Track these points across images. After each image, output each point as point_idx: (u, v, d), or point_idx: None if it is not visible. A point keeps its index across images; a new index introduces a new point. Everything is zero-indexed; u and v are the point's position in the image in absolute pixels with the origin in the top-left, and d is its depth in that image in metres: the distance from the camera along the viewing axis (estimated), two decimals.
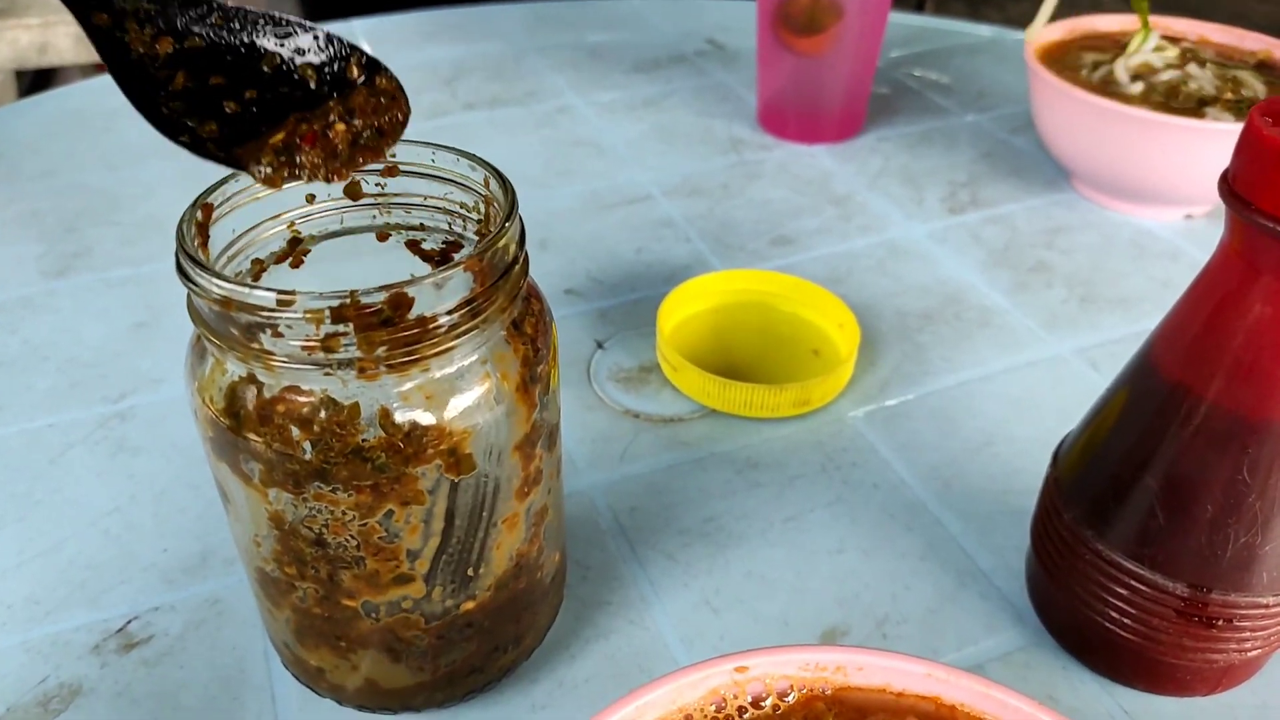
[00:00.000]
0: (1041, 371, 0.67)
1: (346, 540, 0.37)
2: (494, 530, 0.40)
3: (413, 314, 0.33)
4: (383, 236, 0.43)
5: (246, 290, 0.32)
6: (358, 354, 0.33)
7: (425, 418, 0.35)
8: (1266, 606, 0.42)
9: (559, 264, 0.78)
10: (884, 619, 0.50)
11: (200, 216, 0.36)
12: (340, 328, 0.33)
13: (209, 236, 0.37)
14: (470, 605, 0.41)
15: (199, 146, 0.34)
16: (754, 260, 0.78)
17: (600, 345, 0.69)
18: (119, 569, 0.53)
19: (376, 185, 0.42)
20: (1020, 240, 0.82)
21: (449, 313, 0.34)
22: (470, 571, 0.40)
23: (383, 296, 0.33)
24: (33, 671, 0.47)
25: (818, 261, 0.78)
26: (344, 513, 0.36)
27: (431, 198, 0.42)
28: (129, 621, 0.50)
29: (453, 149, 0.40)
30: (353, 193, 0.41)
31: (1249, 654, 0.44)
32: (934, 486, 0.58)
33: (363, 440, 0.35)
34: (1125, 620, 0.45)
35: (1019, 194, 0.88)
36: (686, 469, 0.60)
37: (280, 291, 0.32)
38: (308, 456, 0.35)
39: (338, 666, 0.42)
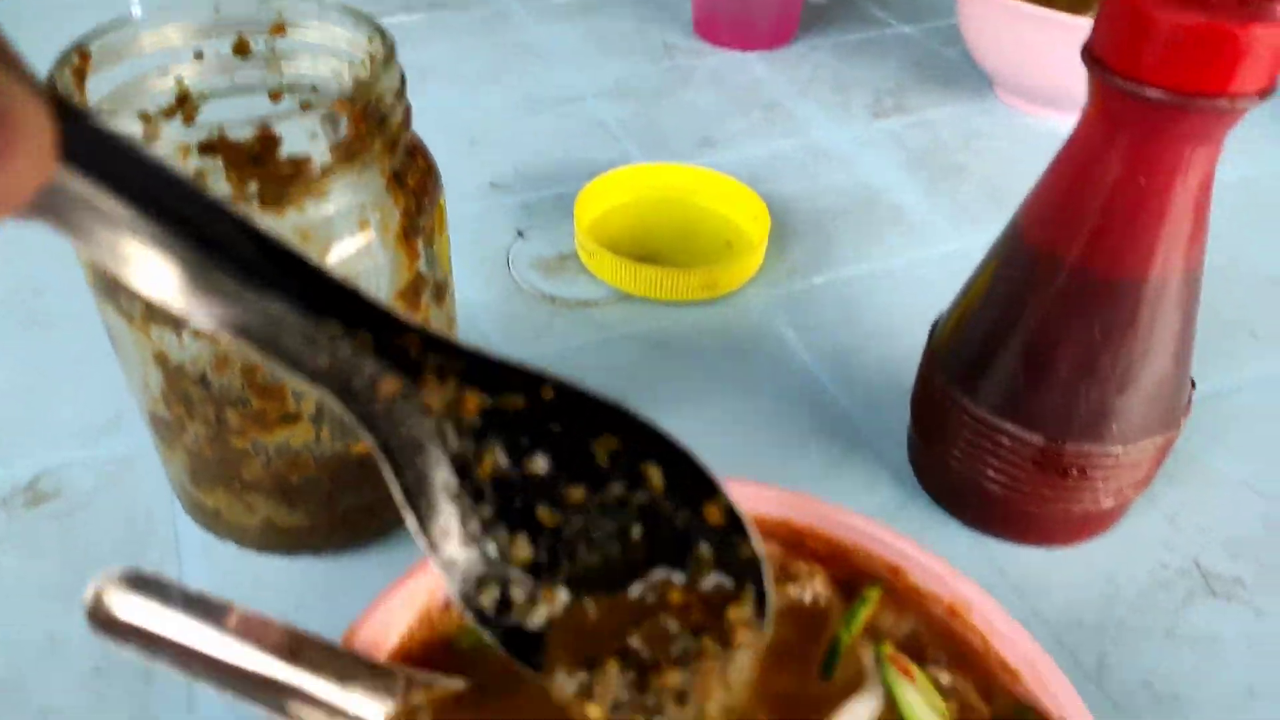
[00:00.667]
0: (948, 264, 0.69)
1: (230, 379, 0.38)
2: None
3: (287, 154, 0.34)
4: (275, 96, 0.44)
5: (109, 119, 0.33)
6: (229, 190, 0.34)
7: None
8: (1116, 457, 0.45)
9: (486, 160, 0.79)
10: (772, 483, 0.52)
11: (77, 62, 0.37)
12: (209, 162, 0.34)
13: (85, 86, 0.37)
14: (361, 448, 0.43)
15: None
16: (678, 160, 0.79)
17: (521, 235, 0.70)
18: (28, 428, 0.54)
19: (265, 44, 0.42)
20: (940, 145, 0.83)
21: (323, 155, 0.35)
22: None
23: (250, 132, 0.34)
24: None
25: (740, 163, 0.80)
26: (225, 351, 0.37)
27: (321, 56, 0.42)
28: (38, 477, 0.51)
29: (338, 6, 0.41)
30: (241, 49, 0.42)
31: (1103, 505, 0.47)
32: (830, 366, 0.61)
33: None
34: (991, 473, 0.47)
35: (944, 101, 0.90)
36: (598, 349, 0.61)
37: (145, 119, 0.33)
38: None
39: (233, 507, 0.44)
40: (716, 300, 0.65)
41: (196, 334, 0.37)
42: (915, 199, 0.76)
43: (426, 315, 0.42)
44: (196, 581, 0.47)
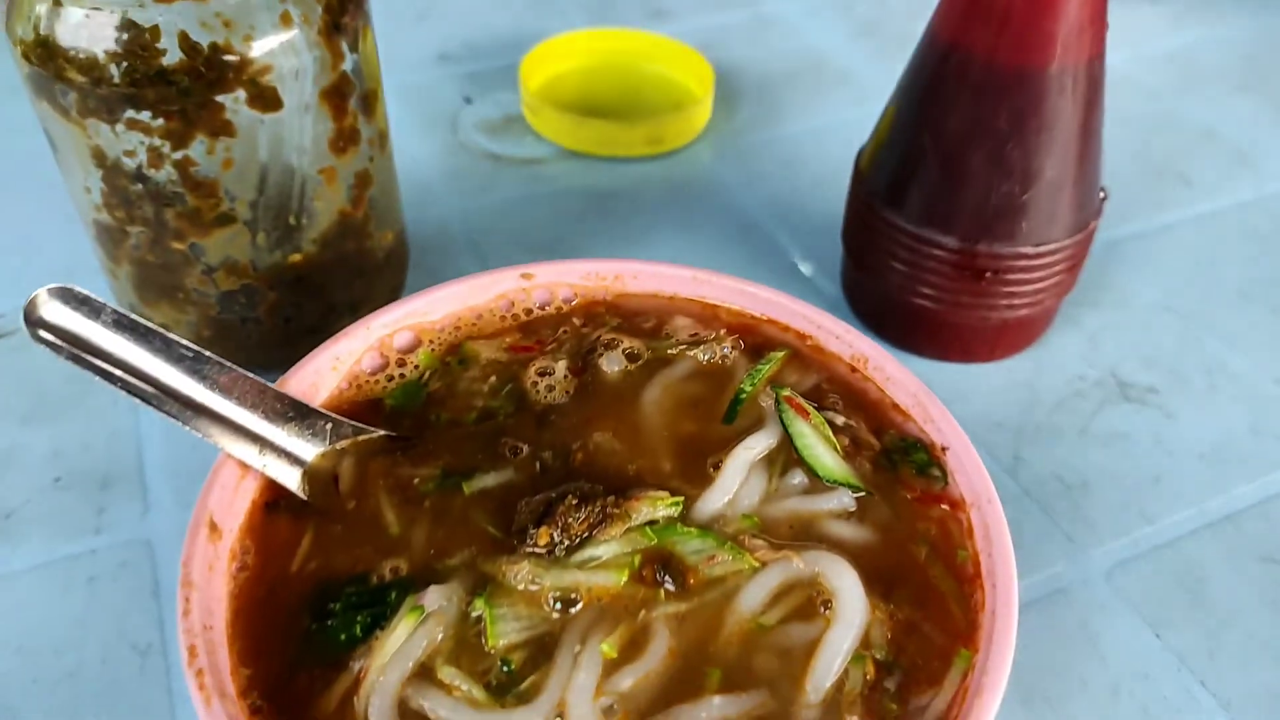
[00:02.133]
0: None
1: (166, 174, 0.40)
2: (311, 180, 0.43)
3: None
4: None
5: None
6: None
7: (224, 43, 0.38)
8: (1029, 257, 0.47)
9: (435, 32, 0.79)
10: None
11: None
12: None
13: None
14: (298, 258, 0.44)
15: None
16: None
17: (468, 100, 0.71)
18: None
19: None
20: (889, 13, 0.84)
21: None
22: (292, 220, 0.43)
23: None
24: None
25: (691, 32, 0.80)
26: (158, 142, 0.39)
27: None
28: None
29: None
30: None
31: (1020, 313, 0.49)
32: (772, 211, 0.62)
33: (165, 63, 0.37)
34: (913, 285, 0.49)
35: None
36: (542, 200, 0.63)
37: None
38: (115, 79, 0.37)
39: (179, 322, 0.45)
40: (662, 156, 0.67)
41: (130, 124, 0.38)
42: (863, 64, 0.77)
43: (354, 123, 0.43)
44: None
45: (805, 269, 0.58)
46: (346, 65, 0.42)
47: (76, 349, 0.29)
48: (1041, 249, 0.47)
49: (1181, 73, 0.77)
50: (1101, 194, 0.49)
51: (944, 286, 0.48)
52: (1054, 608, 0.42)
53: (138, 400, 0.30)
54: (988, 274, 0.47)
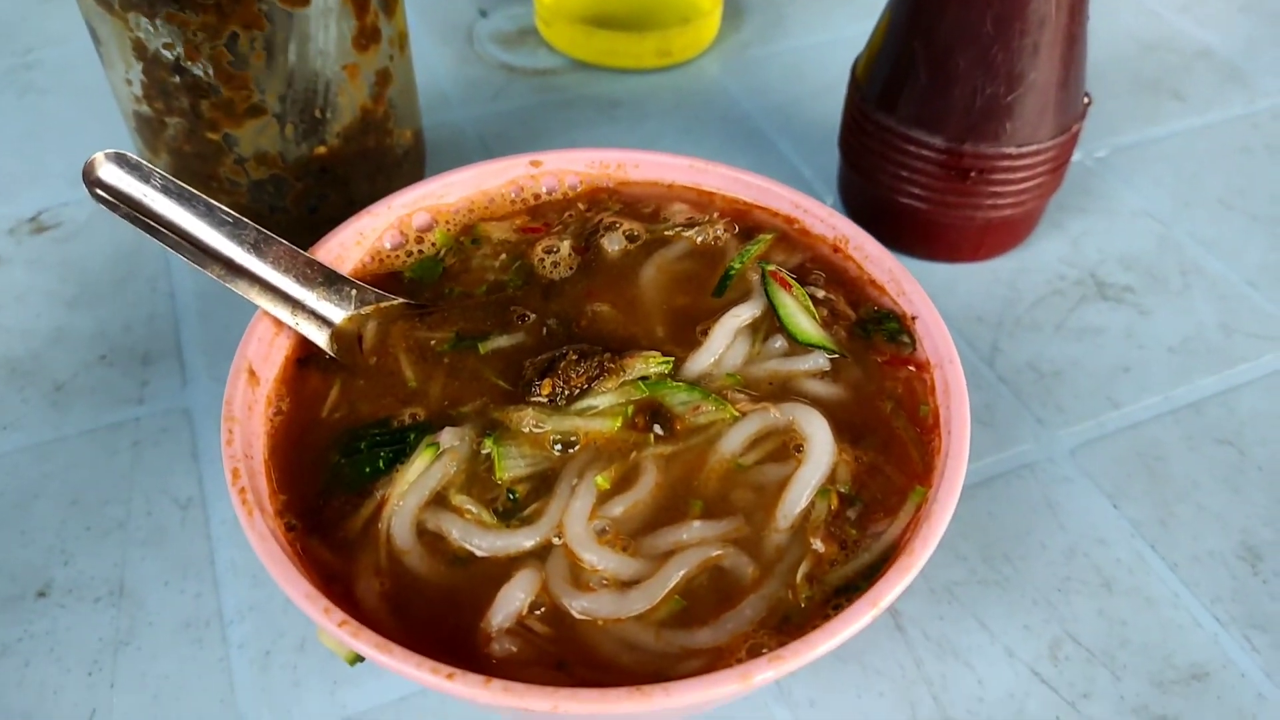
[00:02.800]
0: None
1: (202, 66, 0.43)
2: (335, 75, 0.45)
3: None
4: None
5: None
6: None
7: None
8: (1012, 158, 0.49)
9: None
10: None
11: None
12: None
13: None
14: (323, 150, 0.47)
15: None
16: None
17: (483, 13, 0.73)
18: (29, 175, 0.59)
19: None
20: None
21: None
22: (318, 113, 0.46)
23: None
24: None
25: None
26: (194, 34, 0.42)
27: None
28: (40, 212, 0.56)
29: None
30: None
31: (1004, 212, 0.52)
32: (775, 120, 0.65)
33: None
34: (903, 185, 0.52)
35: None
36: (553, 108, 0.65)
37: None
38: None
39: None
40: (671, 68, 0.69)
41: (169, 17, 0.41)
42: None
43: (375, 22, 0.46)
44: (184, 287, 0.52)
45: (806, 172, 0.61)
46: None
47: (129, 208, 0.32)
48: (1024, 150, 0.49)
49: None
50: (1086, 99, 0.51)
51: (932, 186, 0.51)
52: (1020, 481, 0.45)
53: (184, 258, 0.33)
54: (972, 174, 0.50)
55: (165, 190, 0.33)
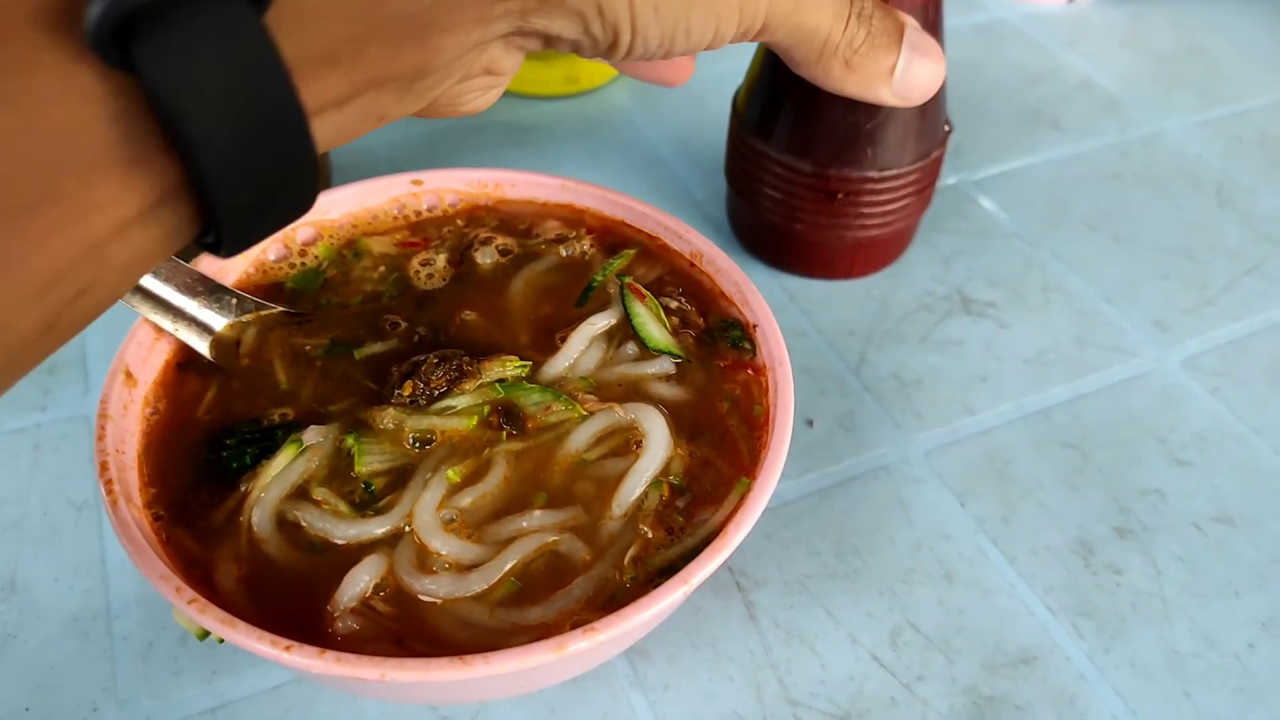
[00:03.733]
0: None
1: None
2: None
3: None
4: None
5: None
6: None
7: None
8: (875, 180, 0.53)
9: None
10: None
11: None
12: None
13: None
14: None
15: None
16: None
17: None
18: None
19: None
20: None
21: None
22: None
23: None
24: None
25: None
26: None
27: None
28: None
29: None
30: None
31: (871, 231, 0.55)
32: (674, 146, 0.68)
33: None
34: (781, 208, 0.55)
35: None
36: (461, 133, 0.68)
37: None
38: None
39: None
40: (579, 95, 0.72)
41: None
42: None
43: None
44: None
45: (698, 195, 0.64)
46: None
47: None
48: (886, 174, 0.53)
49: (1070, 29, 0.83)
50: (946, 127, 0.55)
51: (806, 209, 0.54)
52: (875, 482, 0.48)
53: None
54: (840, 195, 0.53)
55: None
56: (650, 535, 0.34)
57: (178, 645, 0.41)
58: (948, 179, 0.66)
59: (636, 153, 0.67)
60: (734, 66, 0.75)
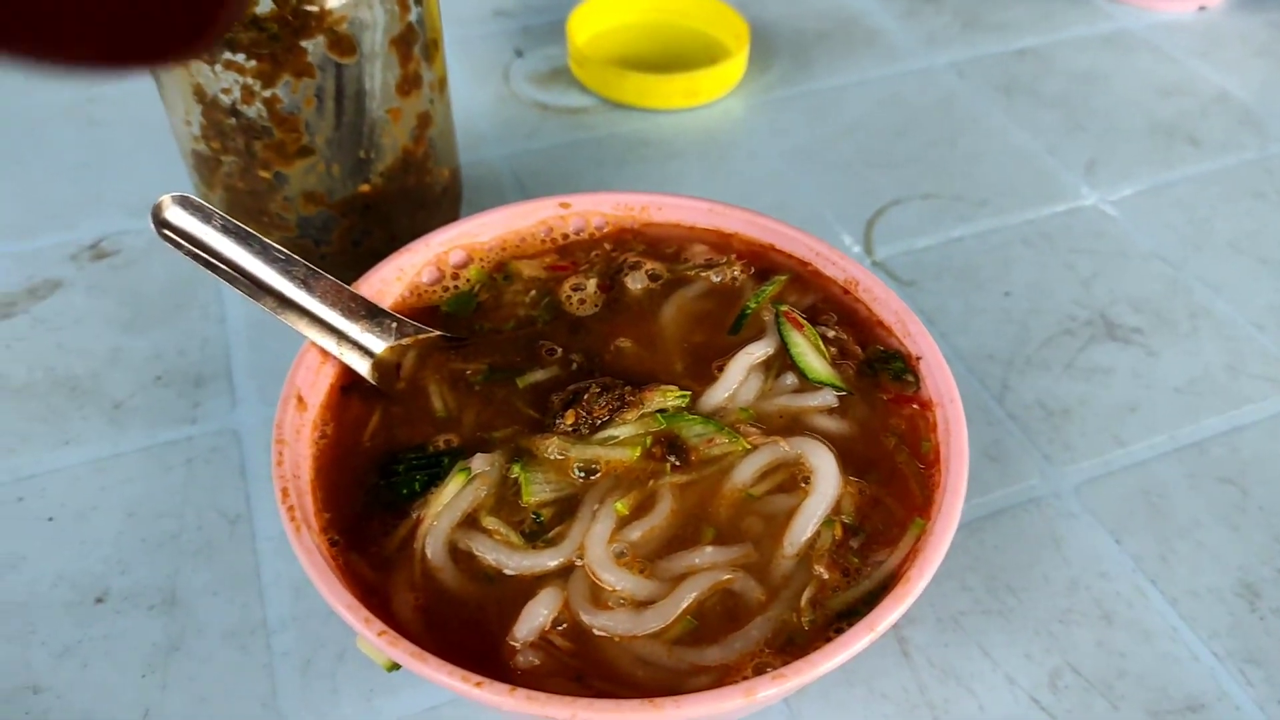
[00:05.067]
0: (916, 80, 0.75)
1: (256, 109, 0.46)
2: (380, 119, 0.49)
3: None
4: None
5: None
6: None
7: None
8: None
9: None
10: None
11: None
12: None
13: None
14: (366, 188, 0.50)
15: None
16: None
17: (519, 54, 0.77)
18: (90, 204, 0.62)
19: None
20: None
21: None
22: (362, 154, 0.49)
23: None
24: (20, 273, 0.58)
25: None
26: (250, 81, 0.45)
27: None
28: (99, 240, 0.60)
29: None
30: None
31: None
32: (796, 160, 0.67)
33: (258, 12, 0.43)
34: None
35: None
36: (585, 146, 0.68)
37: None
38: None
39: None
40: (698, 108, 0.72)
41: (227, 65, 0.44)
42: (891, 23, 0.81)
43: (417, 69, 0.49)
44: (235, 313, 0.56)
45: (825, 213, 0.63)
46: (412, 16, 0.47)
47: (192, 246, 0.35)
48: None
49: (1202, 38, 0.80)
50: None
51: None
52: (1026, 515, 0.47)
53: (239, 292, 0.36)
54: None
55: (225, 230, 0.36)
56: (826, 576, 0.33)
57: (335, 662, 0.41)
58: (1083, 197, 0.64)
59: (758, 167, 0.66)
60: (851, 79, 0.74)
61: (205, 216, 0.35)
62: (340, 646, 0.41)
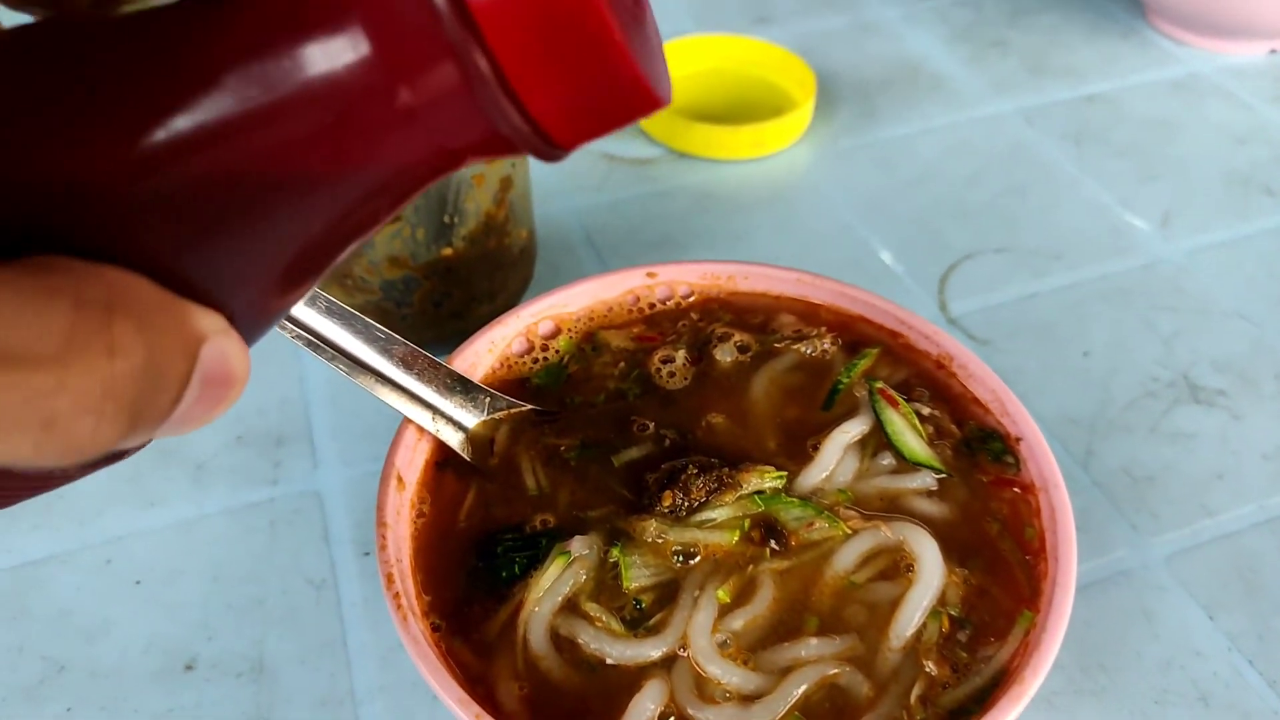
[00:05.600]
0: (983, 127, 0.74)
1: None
2: (464, 184, 0.49)
3: None
4: None
5: None
6: None
7: None
8: None
9: None
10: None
11: None
12: None
13: None
14: (449, 251, 0.51)
15: None
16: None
17: None
18: None
19: None
20: (983, 19, 0.87)
21: None
22: (446, 219, 0.50)
23: None
24: None
25: (792, 37, 0.85)
26: None
27: None
28: None
29: None
30: None
31: None
32: (866, 214, 0.67)
33: None
34: None
35: None
36: (651, 199, 0.69)
37: None
38: None
39: (346, 304, 0.52)
40: (765, 158, 0.72)
41: None
42: (955, 69, 0.81)
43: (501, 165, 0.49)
44: (314, 372, 0.56)
45: (895, 268, 0.63)
46: None
47: (296, 327, 0.35)
48: None
49: (1275, 82, 0.79)
50: None
51: None
52: (1115, 589, 0.46)
53: (340, 370, 0.37)
54: None
55: (329, 312, 0.36)
56: (935, 672, 0.33)
57: None
58: (1159, 250, 0.63)
59: (826, 219, 0.66)
60: (918, 128, 0.74)
61: (311, 299, 0.36)
62: (429, 717, 0.41)
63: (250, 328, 0.20)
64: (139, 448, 0.19)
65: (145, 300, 0.17)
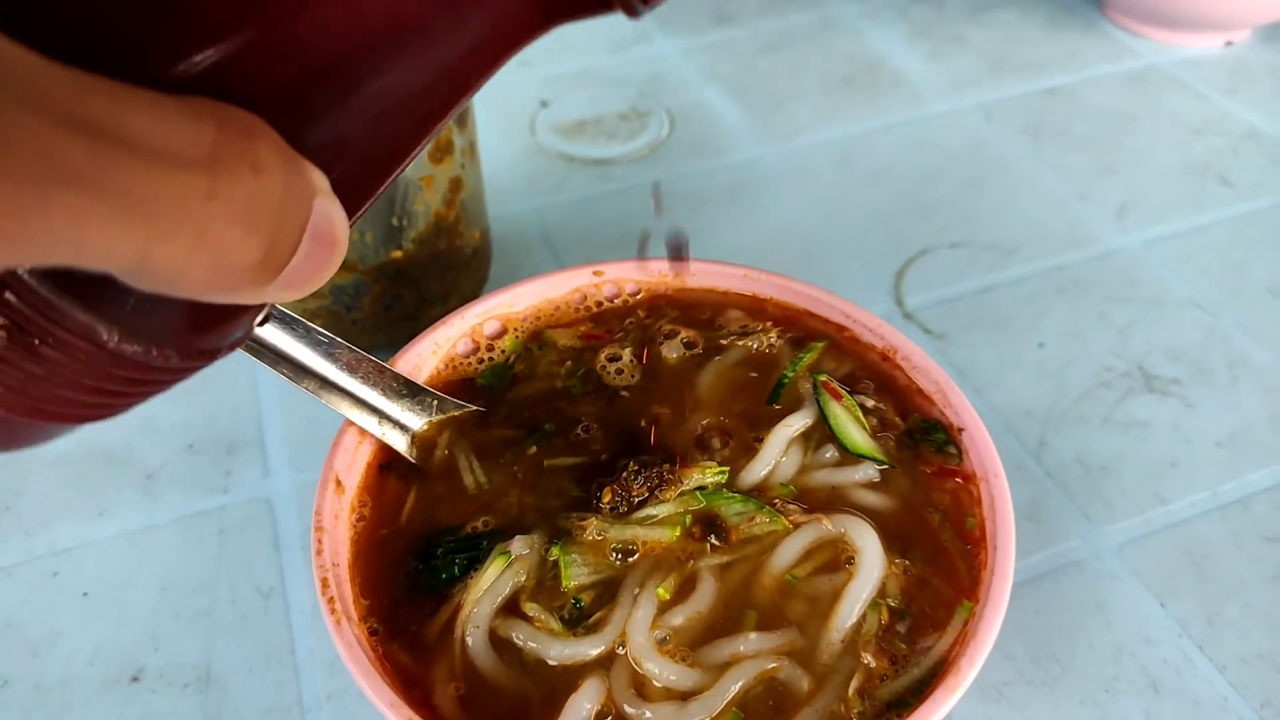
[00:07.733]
0: (939, 122, 0.75)
1: None
2: (412, 186, 0.49)
3: None
4: None
5: None
6: None
7: None
8: None
9: None
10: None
11: None
12: None
13: None
14: (399, 254, 0.50)
15: None
16: (696, 39, 0.85)
17: (544, 104, 0.77)
18: None
19: None
20: (944, 18, 0.87)
21: None
22: (395, 221, 0.49)
23: None
24: None
25: (754, 35, 0.85)
26: None
27: None
28: None
29: None
30: None
31: None
32: (825, 211, 0.67)
33: None
34: None
35: None
36: (611, 199, 0.68)
37: None
38: None
39: (294, 309, 0.52)
40: (724, 156, 0.71)
41: None
42: (915, 65, 0.81)
43: (449, 135, 0.49)
44: (267, 380, 0.56)
45: (852, 265, 0.63)
46: None
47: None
48: None
49: (1230, 74, 0.79)
50: None
51: None
52: (1067, 579, 0.46)
53: (283, 375, 0.36)
54: None
55: (270, 317, 0.36)
56: (873, 664, 0.32)
57: None
58: (1115, 242, 0.64)
59: (785, 216, 0.66)
60: (873, 125, 0.74)
61: None
62: None
63: (347, 200, 0.20)
64: (245, 336, 0.22)
65: (277, 138, 0.18)
